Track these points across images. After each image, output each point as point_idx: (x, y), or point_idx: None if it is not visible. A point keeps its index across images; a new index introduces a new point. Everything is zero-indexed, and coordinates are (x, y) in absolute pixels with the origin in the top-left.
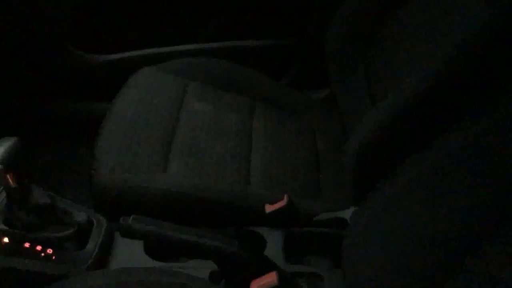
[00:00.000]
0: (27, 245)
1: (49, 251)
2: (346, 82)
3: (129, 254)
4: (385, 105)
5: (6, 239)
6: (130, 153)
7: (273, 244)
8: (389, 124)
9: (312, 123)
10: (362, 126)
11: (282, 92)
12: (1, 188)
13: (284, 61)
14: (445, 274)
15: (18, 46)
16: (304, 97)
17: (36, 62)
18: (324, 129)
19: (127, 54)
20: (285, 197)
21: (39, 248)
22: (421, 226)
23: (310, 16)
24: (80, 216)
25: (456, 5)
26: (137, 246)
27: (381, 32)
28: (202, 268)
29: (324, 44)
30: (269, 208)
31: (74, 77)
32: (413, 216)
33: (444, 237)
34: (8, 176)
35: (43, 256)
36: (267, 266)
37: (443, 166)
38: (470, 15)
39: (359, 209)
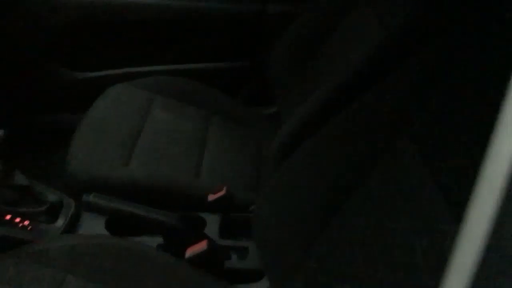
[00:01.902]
0: (8, 217)
1: (26, 222)
2: (287, 100)
3: (92, 229)
4: (300, 110)
5: None
6: (99, 150)
7: (212, 225)
8: (305, 123)
9: (259, 134)
10: (284, 125)
11: (235, 107)
12: None
13: (238, 81)
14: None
15: (7, 65)
16: (254, 112)
17: (23, 78)
18: (269, 139)
19: (103, 72)
20: (224, 188)
21: (17, 220)
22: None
23: (259, 43)
24: (52, 197)
25: (359, 28)
26: (99, 223)
27: (315, 56)
28: (150, 242)
29: (268, 68)
30: (211, 197)
31: (56, 91)
32: (291, 198)
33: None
34: None
35: (21, 226)
36: (202, 238)
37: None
38: (365, 40)
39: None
